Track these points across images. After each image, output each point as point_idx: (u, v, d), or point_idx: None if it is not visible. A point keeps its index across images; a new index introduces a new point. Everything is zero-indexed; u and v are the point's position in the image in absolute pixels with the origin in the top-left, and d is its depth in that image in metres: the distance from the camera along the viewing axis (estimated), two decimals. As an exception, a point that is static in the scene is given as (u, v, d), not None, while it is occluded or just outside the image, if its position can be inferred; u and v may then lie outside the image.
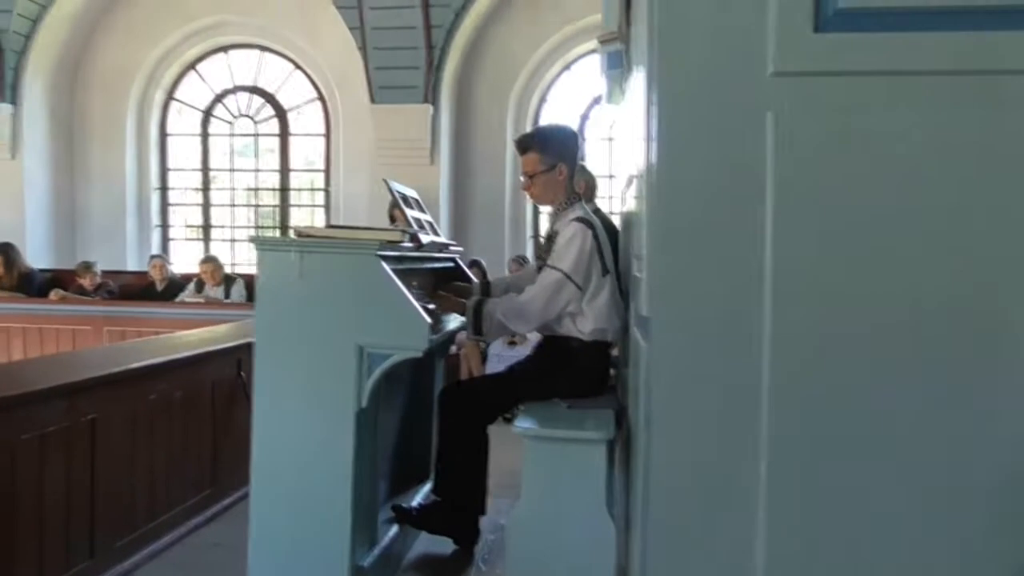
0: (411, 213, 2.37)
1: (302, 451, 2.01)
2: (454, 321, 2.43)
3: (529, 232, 7.84)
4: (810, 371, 1.24)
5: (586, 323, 2.40)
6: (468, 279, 2.95)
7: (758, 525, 1.27)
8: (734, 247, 1.24)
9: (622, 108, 2.88)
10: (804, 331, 1.23)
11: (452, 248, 2.78)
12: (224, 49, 8.15)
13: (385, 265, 1.99)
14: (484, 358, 5.54)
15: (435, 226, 2.69)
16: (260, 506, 2.05)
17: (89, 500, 2.55)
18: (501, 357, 5.47)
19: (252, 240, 2.04)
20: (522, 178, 2.57)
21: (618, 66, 2.60)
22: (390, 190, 2.34)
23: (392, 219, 5.89)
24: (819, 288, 1.23)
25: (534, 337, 5.42)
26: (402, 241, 2.12)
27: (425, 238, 2.32)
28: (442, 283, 2.70)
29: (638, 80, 1.90)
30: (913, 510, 1.23)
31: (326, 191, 8.08)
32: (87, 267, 6.25)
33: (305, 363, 2.00)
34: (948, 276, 1.20)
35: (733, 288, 1.25)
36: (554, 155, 2.47)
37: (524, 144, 2.53)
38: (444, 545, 2.61)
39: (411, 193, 2.58)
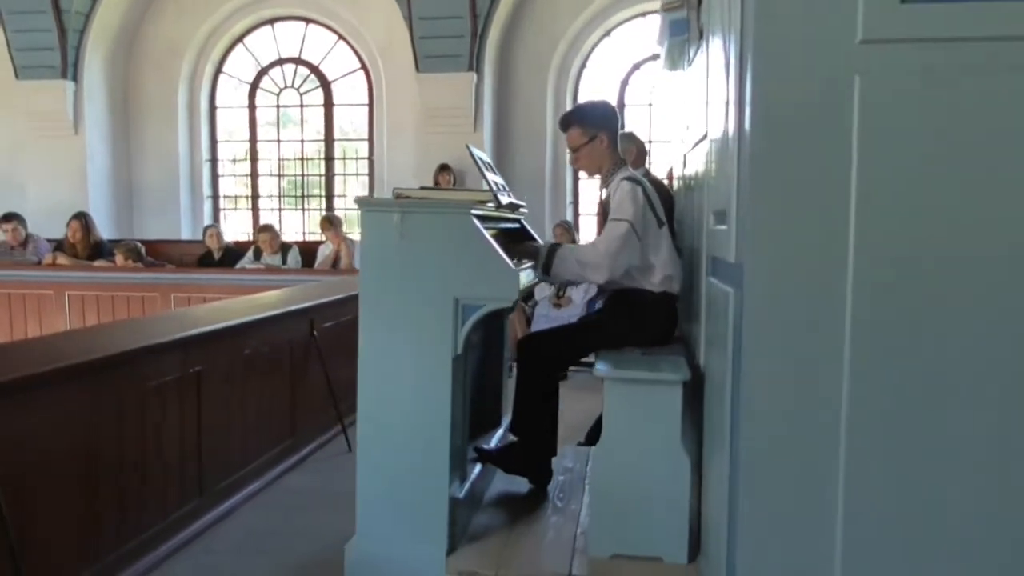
0: (491, 176, 2.53)
1: (405, 394, 2.22)
2: (528, 276, 2.60)
3: (569, 199, 7.96)
4: (892, 320, 1.34)
5: (654, 275, 2.55)
6: (533, 238, 3.11)
7: (838, 467, 1.38)
8: (822, 203, 1.36)
9: (685, 74, 2.99)
10: (887, 282, 1.35)
11: (522, 209, 2.94)
12: (270, 22, 8.31)
13: (477, 223, 2.17)
14: (529, 321, 5.74)
15: (508, 189, 2.86)
16: (367, 445, 2.26)
17: (197, 444, 2.81)
18: (548, 317, 5.65)
19: (357, 201, 2.23)
20: (569, 154, 2.76)
21: (682, 33, 2.71)
22: (472, 156, 2.51)
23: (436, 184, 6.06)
24: (901, 242, 1.34)
25: (579, 298, 5.63)
26: (488, 201, 2.28)
27: (504, 199, 2.48)
28: (511, 242, 2.86)
29: (714, 46, 2.02)
30: (1005, 469, 1.28)
31: (370, 160, 8.28)
32: None
33: (406, 315, 2.20)
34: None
35: (820, 240, 1.37)
36: (592, 126, 2.66)
37: (565, 122, 2.74)
38: (519, 485, 2.83)
39: (487, 158, 2.74)
